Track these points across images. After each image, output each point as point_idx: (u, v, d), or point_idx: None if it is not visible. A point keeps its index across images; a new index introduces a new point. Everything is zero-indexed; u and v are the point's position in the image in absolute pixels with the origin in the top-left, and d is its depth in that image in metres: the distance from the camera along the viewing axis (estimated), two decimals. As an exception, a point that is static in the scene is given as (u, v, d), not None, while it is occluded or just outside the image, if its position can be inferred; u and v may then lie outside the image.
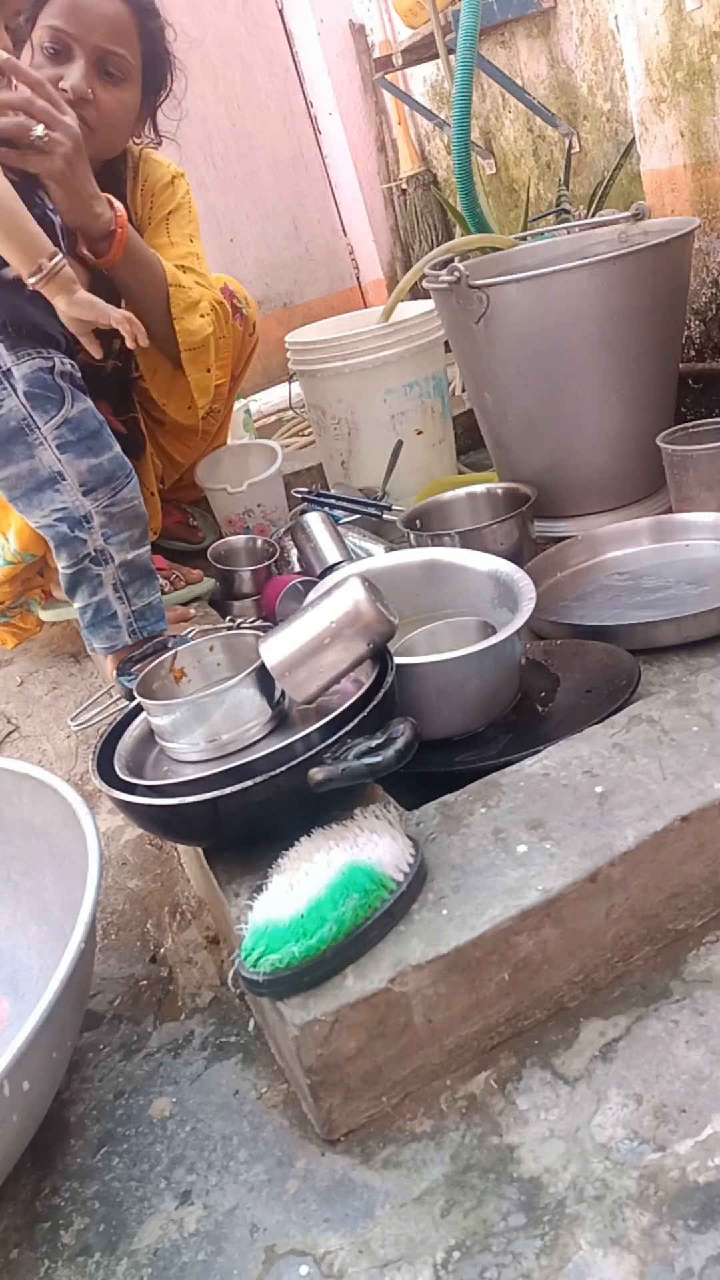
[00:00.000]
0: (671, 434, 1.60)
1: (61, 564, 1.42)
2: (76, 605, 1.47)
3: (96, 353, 1.27)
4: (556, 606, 1.47)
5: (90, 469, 1.34)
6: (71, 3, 1.40)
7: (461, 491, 1.83)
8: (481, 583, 1.32)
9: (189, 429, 1.84)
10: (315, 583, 1.61)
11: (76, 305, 1.25)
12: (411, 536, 1.70)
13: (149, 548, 1.46)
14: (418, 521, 1.74)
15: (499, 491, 1.78)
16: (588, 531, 1.61)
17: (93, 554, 1.40)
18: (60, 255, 1.22)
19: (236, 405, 2.72)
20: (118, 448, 1.38)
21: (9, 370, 1.26)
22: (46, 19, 1.39)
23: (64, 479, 1.34)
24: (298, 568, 1.77)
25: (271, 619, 1.59)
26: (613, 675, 1.20)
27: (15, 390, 1.27)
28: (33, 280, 1.21)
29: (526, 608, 1.18)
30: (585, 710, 1.15)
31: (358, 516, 1.85)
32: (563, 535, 1.70)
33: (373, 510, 1.84)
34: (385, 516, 1.83)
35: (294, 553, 1.79)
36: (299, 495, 1.92)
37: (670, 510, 1.62)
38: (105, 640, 1.47)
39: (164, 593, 1.91)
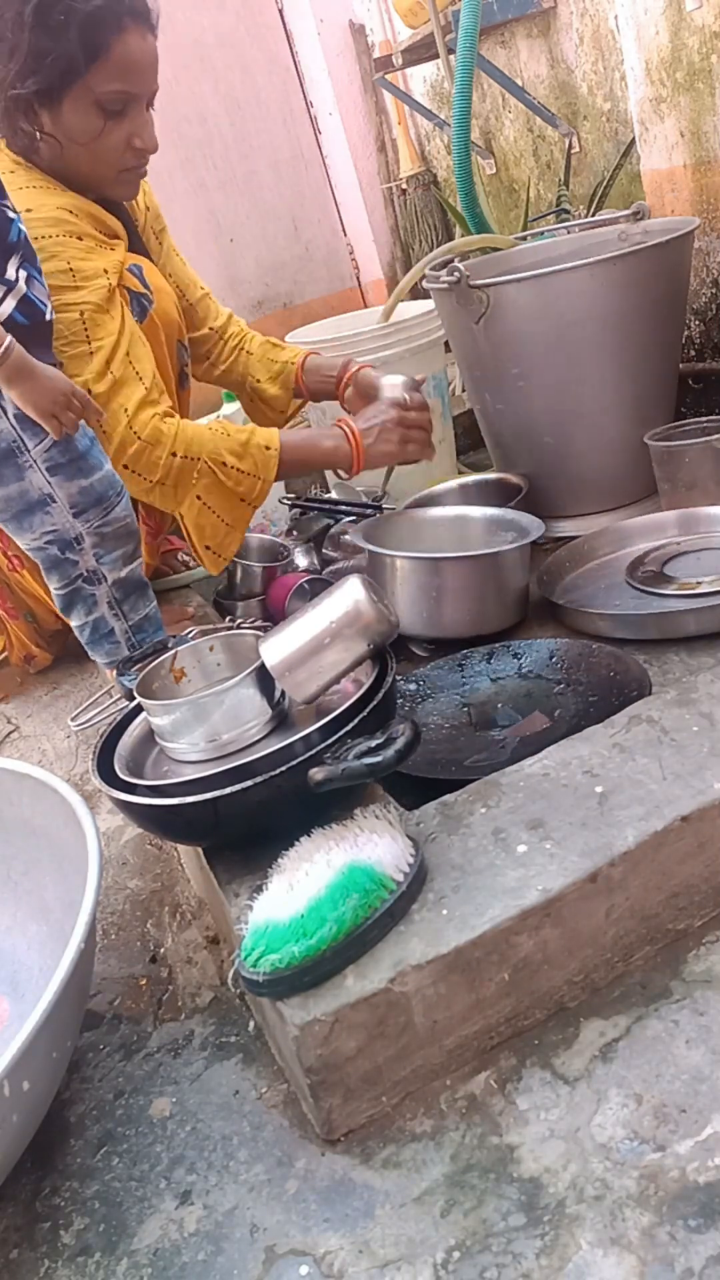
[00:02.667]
0: (660, 433, 1.61)
1: (54, 585, 1.42)
2: (74, 623, 1.47)
3: (55, 433, 1.26)
4: (582, 595, 1.47)
5: (81, 491, 1.34)
6: (130, 62, 1.35)
7: (454, 483, 1.86)
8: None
9: None
10: (322, 581, 1.62)
11: (13, 395, 1.22)
12: None
13: (141, 561, 1.46)
14: None
15: (491, 482, 1.79)
16: (616, 523, 1.62)
17: (85, 574, 1.40)
18: (8, 343, 1.19)
19: (235, 406, 2.72)
20: (108, 466, 1.37)
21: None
22: (106, 83, 1.34)
23: (54, 501, 1.33)
24: (302, 565, 1.77)
25: (276, 617, 1.60)
26: (622, 684, 1.21)
27: (5, 412, 1.27)
28: None
29: (535, 532, 1.48)
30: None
31: (355, 518, 1.86)
32: (562, 535, 1.71)
33: (365, 510, 1.85)
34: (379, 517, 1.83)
35: (298, 551, 1.80)
36: (285, 503, 1.91)
37: (660, 509, 1.63)
38: (105, 655, 1.48)
39: (188, 568, 1.91)
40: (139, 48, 1.35)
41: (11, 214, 1.25)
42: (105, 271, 1.41)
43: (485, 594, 1.44)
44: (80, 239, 1.40)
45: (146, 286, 1.54)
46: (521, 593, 1.47)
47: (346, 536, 1.81)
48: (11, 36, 1.32)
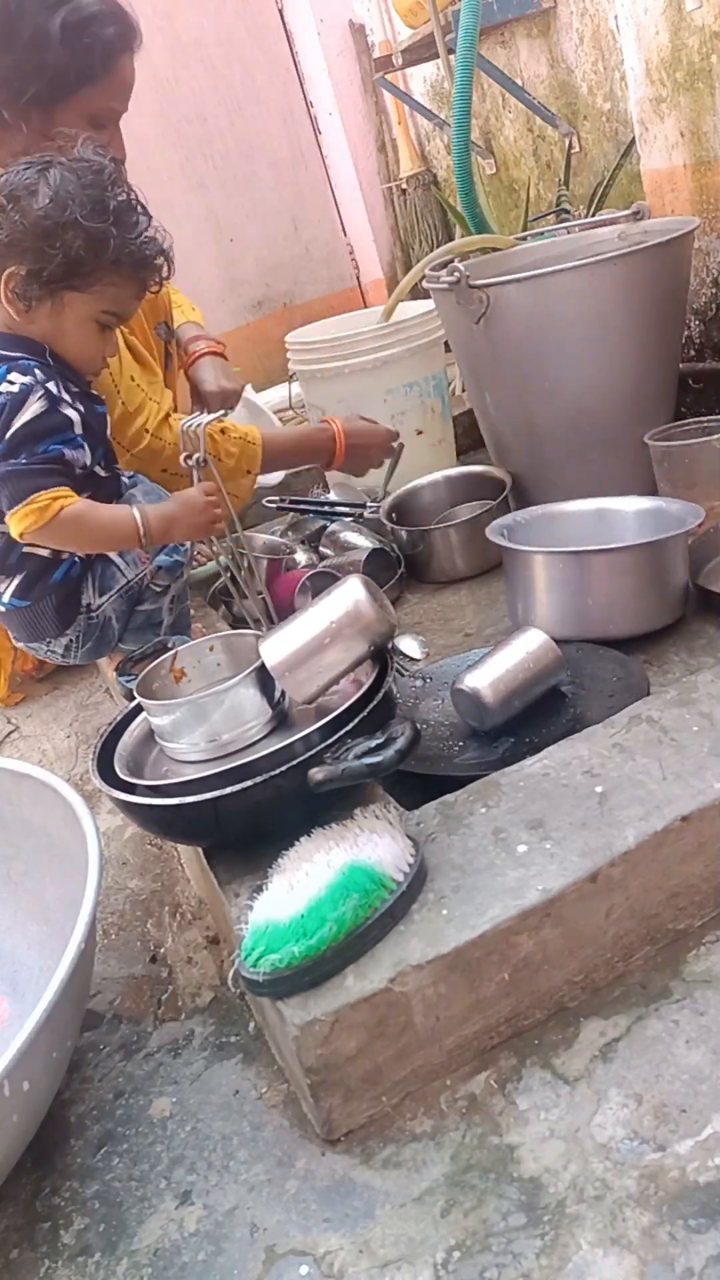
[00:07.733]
0: (660, 433, 1.61)
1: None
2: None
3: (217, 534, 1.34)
4: None
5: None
6: (126, 83, 1.45)
7: (438, 475, 1.87)
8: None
9: None
10: (327, 576, 1.62)
11: (177, 539, 1.30)
12: (401, 530, 1.73)
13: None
14: (394, 515, 1.79)
15: (474, 475, 1.79)
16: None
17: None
18: (139, 517, 1.23)
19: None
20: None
21: None
22: (106, 99, 1.43)
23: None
24: (302, 562, 1.77)
25: (279, 612, 1.60)
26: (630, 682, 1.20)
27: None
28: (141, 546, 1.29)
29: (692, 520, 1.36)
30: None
31: (349, 518, 1.86)
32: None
33: (348, 511, 1.85)
34: (365, 515, 1.84)
35: (298, 549, 1.80)
36: (271, 505, 1.91)
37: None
38: (138, 643, 1.50)
39: (192, 567, 1.92)
40: (131, 71, 1.46)
41: (100, 408, 1.32)
42: None
43: (643, 588, 1.34)
44: None
45: None
46: (681, 587, 1.38)
47: (344, 534, 1.81)
48: (32, 46, 1.36)
